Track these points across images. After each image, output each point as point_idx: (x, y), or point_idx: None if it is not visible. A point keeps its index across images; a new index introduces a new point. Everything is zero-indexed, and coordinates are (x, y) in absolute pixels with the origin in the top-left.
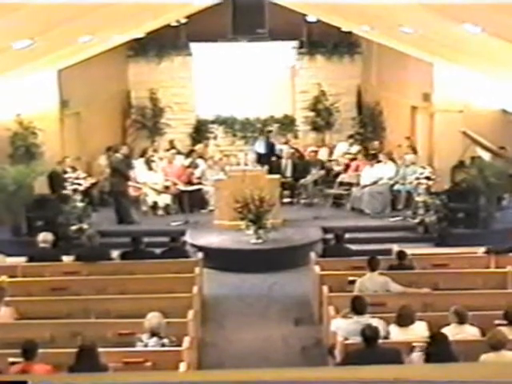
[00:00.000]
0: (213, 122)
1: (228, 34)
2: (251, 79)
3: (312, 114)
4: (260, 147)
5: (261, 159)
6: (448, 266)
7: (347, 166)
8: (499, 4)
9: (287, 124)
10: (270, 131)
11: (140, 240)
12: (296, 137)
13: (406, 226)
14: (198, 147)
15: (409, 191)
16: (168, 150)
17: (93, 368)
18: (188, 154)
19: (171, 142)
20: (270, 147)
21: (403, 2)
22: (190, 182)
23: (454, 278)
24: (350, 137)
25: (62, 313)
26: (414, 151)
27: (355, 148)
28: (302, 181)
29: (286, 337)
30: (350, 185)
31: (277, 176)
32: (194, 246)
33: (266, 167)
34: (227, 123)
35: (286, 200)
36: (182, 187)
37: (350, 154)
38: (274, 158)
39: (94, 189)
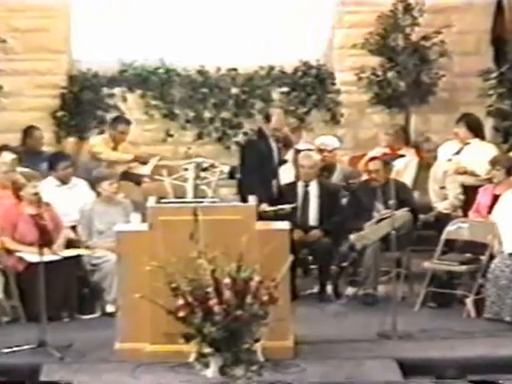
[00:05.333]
0: (111, 82)
1: None
2: None
3: (376, 59)
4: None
5: (246, 180)
6: None
7: (469, 200)
8: None
9: (310, 86)
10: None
11: None
12: (335, 120)
13: None
14: (75, 143)
15: None
16: None
17: None
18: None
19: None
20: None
21: None
22: (50, 241)
23: None
24: (473, 125)
25: None
26: None
27: (489, 150)
28: (353, 238)
29: None
30: (479, 249)
31: (283, 224)
32: None
33: (253, 198)
34: (149, 83)
35: (307, 291)
36: (27, 254)
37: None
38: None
39: None
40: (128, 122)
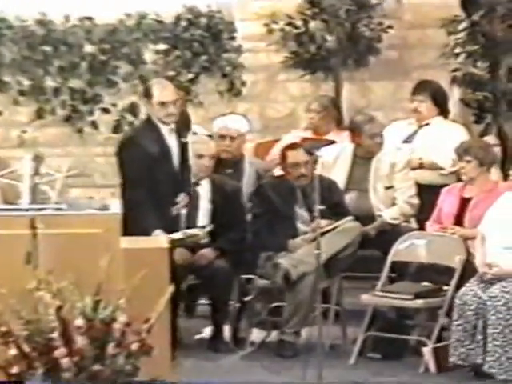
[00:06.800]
0: None
1: None
2: None
3: (293, 4)
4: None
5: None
6: None
7: (427, 206)
8: None
9: (198, 42)
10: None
11: None
12: (234, 90)
13: None
14: None
15: None
16: None
17: None
18: None
19: None
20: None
21: None
22: None
23: None
24: (440, 97)
25: None
26: None
27: (455, 133)
28: (285, 263)
29: None
30: (442, 276)
31: (159, 240)
32: None
33: (117, 203)
34: None
35: (202, 334)
36: None
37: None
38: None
39: None
40: None
